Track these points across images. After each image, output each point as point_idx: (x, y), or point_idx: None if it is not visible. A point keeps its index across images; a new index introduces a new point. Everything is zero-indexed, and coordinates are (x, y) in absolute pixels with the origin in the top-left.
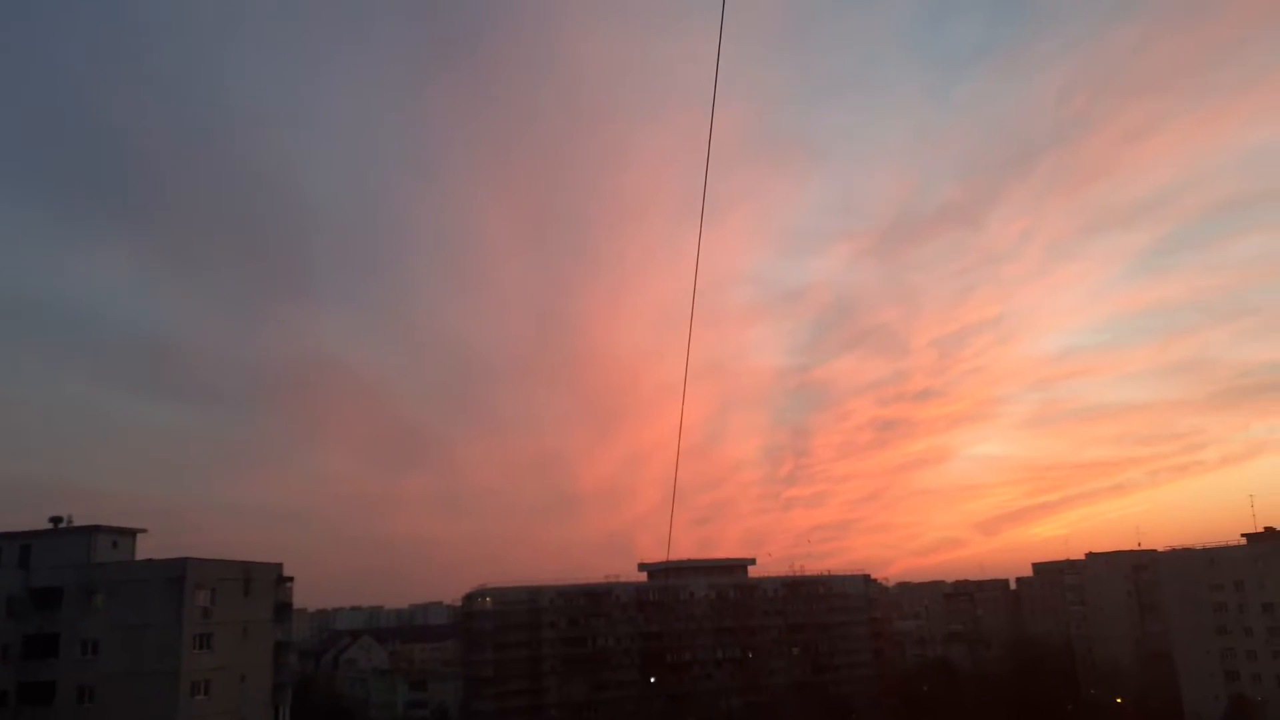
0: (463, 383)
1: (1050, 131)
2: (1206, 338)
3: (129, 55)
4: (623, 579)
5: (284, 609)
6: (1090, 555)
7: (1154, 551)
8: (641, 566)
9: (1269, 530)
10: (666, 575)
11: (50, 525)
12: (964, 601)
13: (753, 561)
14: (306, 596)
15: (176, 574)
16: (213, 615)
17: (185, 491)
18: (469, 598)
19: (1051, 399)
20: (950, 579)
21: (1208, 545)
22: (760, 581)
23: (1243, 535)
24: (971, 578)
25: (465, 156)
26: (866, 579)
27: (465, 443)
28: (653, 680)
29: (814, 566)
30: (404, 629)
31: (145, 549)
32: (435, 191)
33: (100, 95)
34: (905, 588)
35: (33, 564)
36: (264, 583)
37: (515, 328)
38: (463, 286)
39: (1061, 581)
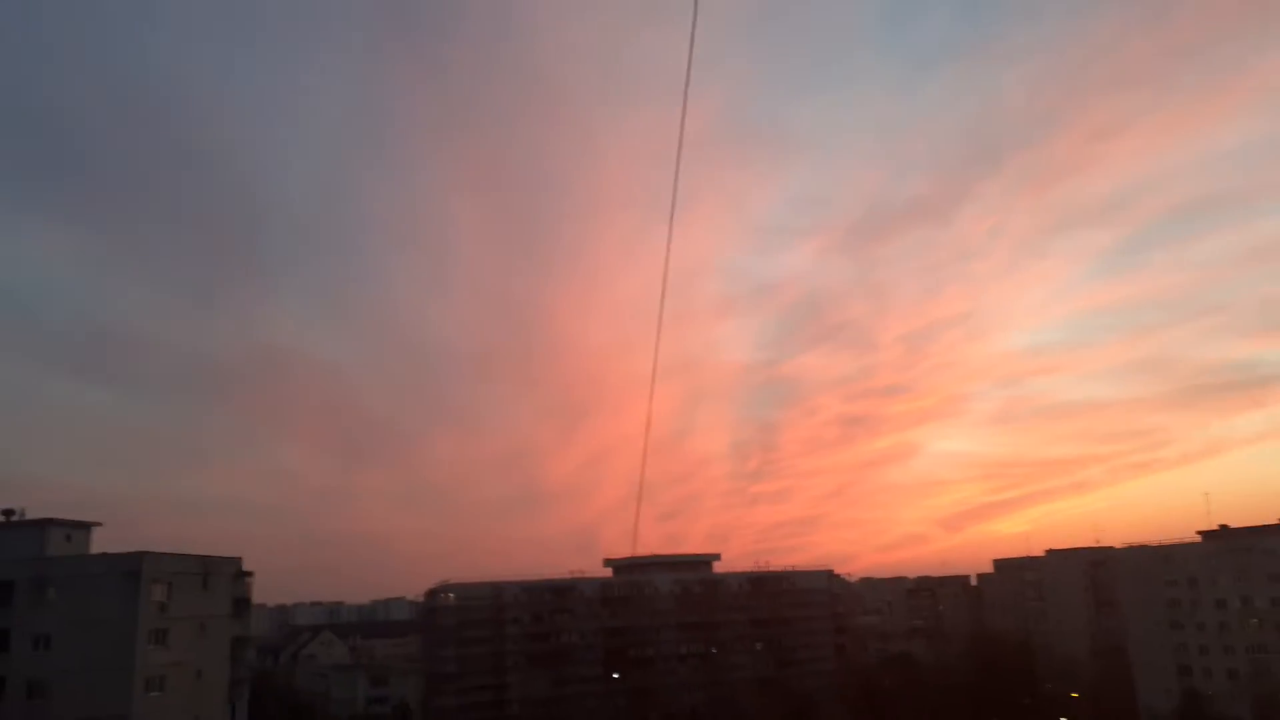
0: (426, 376)
1: (1019, 129)
2: (1169, 336)
3: (76, 34)
4: (588, 574)
5: (242, 604)
6: (1050, 552)
7: (1111, 548)
8: (607, 562)
9: (1223, 528)
10: (632, 571)
11: (2, 518)
12: (926, 597)
13: (717, 557)
14: (265, 591)
15: (132, 568)
16: (169, 610)
17: (141, 484)
18: (431, 593)
19: (1017, 396)
20: (913, 575)
21: (1164, 542)
22: (725, 577)
23: (1198, 532)
24: (934, 573)
25: (431, 145)
26: (830, 574)
27: (429, 437)
28: (616, 676)
29: (778, 562)
30: (365, 624)
31: (100, 543)
32: (400, 180)
33: (46, 75)
34: (868, 583)
35: None
36: (222, 577)
37: (481, 320)
38: (427, 277)
39: (1022, 578)
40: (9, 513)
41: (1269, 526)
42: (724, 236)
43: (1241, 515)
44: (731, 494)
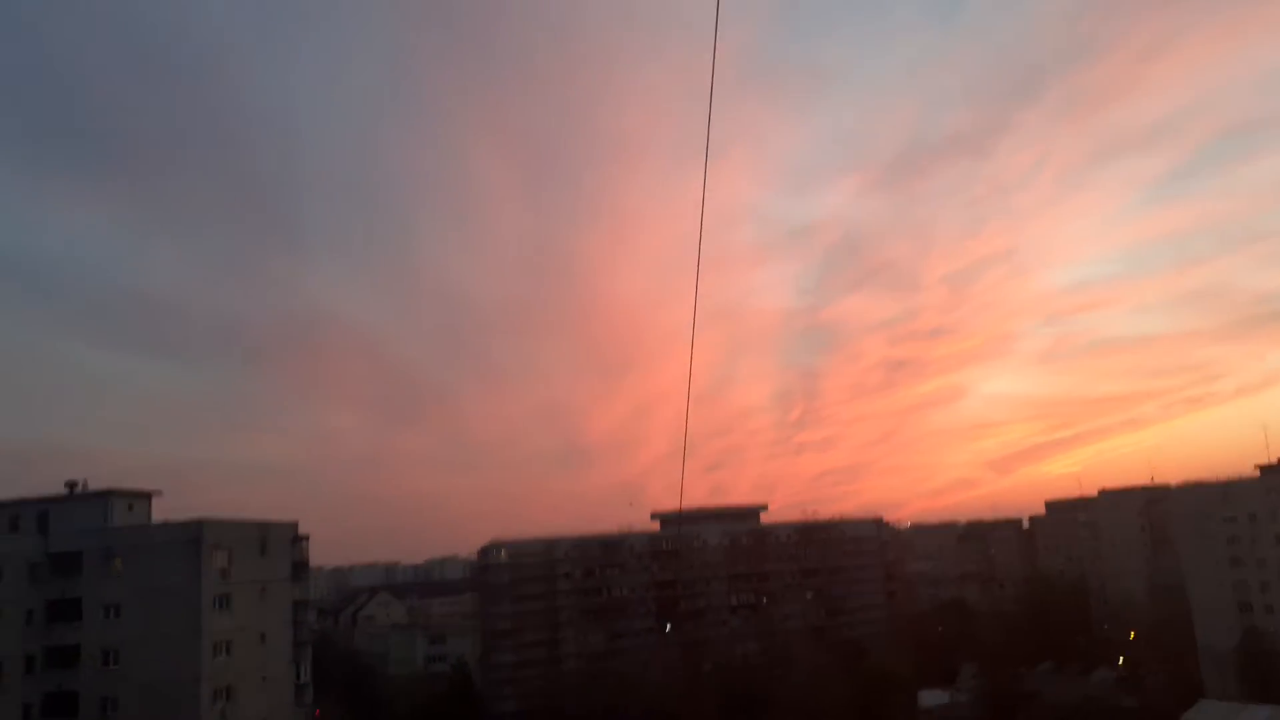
0: (464, 333)
1: (1059, 55)
2: (1221, 265)
3: (107, 6)
4: (636, 529)
5: (301, 567)
6: (1103, 492)
7: (1167, 487)
8: (654, 515)
9: None
10: (680, 524)
11: (66, 491)
12: (977, 542)
13: (765, 508)
14: (322, 554)
15: (193, 536)
16: (230, 576)
17: (193, 451)
18: (484, 551)
19: (1064, 333)
20: (963, 519)
21: (1222, 479)
22: (773, 528)
23: (1257, 467)
24: (985, 518)
25: (459, 101)
26: (879, 522)
27: (469, 395)
28: (668, 628)
29: (826, 511)
30: (420, 584)
31: (160, 511)
32: (429, 138)
33: (79, 39)
34: (919, 530)
35: (51, 529)
36: (280, 541)
37: (516, 275)
38: (460, 234)
39: (1074, 519)
40: (72, 485)
41: None
42: (758, 179)
43: None
44: (776, 444)
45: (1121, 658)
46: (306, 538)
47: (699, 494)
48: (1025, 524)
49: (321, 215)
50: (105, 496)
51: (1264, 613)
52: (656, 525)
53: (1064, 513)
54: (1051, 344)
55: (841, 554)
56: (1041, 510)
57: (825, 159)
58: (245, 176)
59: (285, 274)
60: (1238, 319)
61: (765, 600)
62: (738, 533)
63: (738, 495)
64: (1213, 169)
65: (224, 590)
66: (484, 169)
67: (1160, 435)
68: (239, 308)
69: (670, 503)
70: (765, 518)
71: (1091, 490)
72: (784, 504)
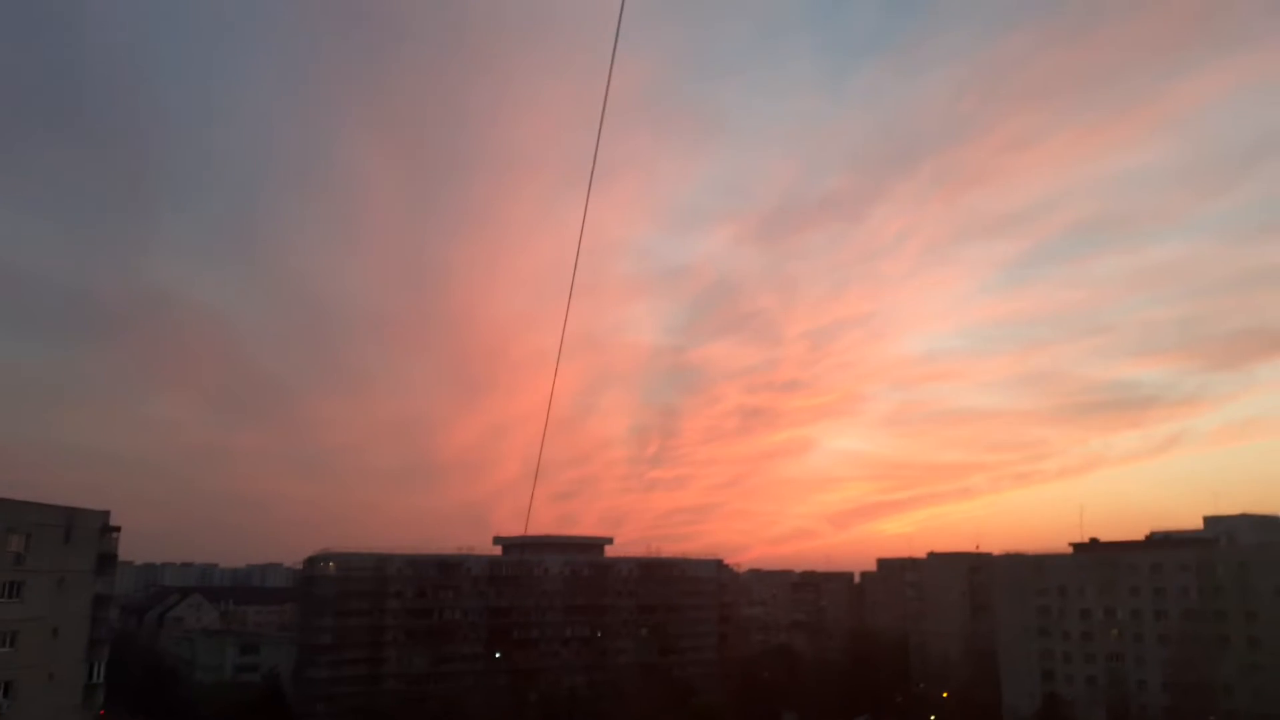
0: (322, 333)
1: (936, 132)
2: (1059, 352)
3: None
4: (476, 551)
5: (108, 560)
6: (931, 555)
7: (990, 555)
8: (496, 540)
9: (1093, 541)
10: (523, 550)
11: None
12: (810, 591)
13: (610, 541)
14: (134, 549)
15: None
16: (25, 562)
17: (5, 426)
18: (311, 561)
19: (911, 399)
20: (799, 568)
21: (1039, 552)
22: (615, 561)
23: (1070, 544)
24: (819, 568)
25: (347, 98)
26: (719, 564)
27: (319, 397)
28: (498, 655)
29: (671, 549)
30: (239, 589)
31: None
32: (310, 125)
33: None
34: (756, 574)
35: None
36: (87, 531)
37: (384, 279)
38: (330, 229)
39: (903, 578)
40: None
41: (1134, 542)
42: (639, 214)
43: (1111, 530)
44: (629, 478)
45: (933, 716)
46: (118, 530)
47: (546, 521)
48: (857, 578)
49: (189, 199)
50: None
51: (1065, 681)
52: (499, 550)
53: (894, 571)
54: (898, 408)
55: (680, 592)
56: (873, 566)
57: (706, 203)
58: (113, 151)
59: (133, 245)
60: (1068, 404)
61: (600, 634)
62: (580, 563)
63: (585, 526)
64: (1058, 260)
65: (16, 577)
66: (366, 169)
67: (988, 505)
68: (76, 277)
69: (516, 528)
70: (610, 550)
71: (921, 552)
72: (630, 538)
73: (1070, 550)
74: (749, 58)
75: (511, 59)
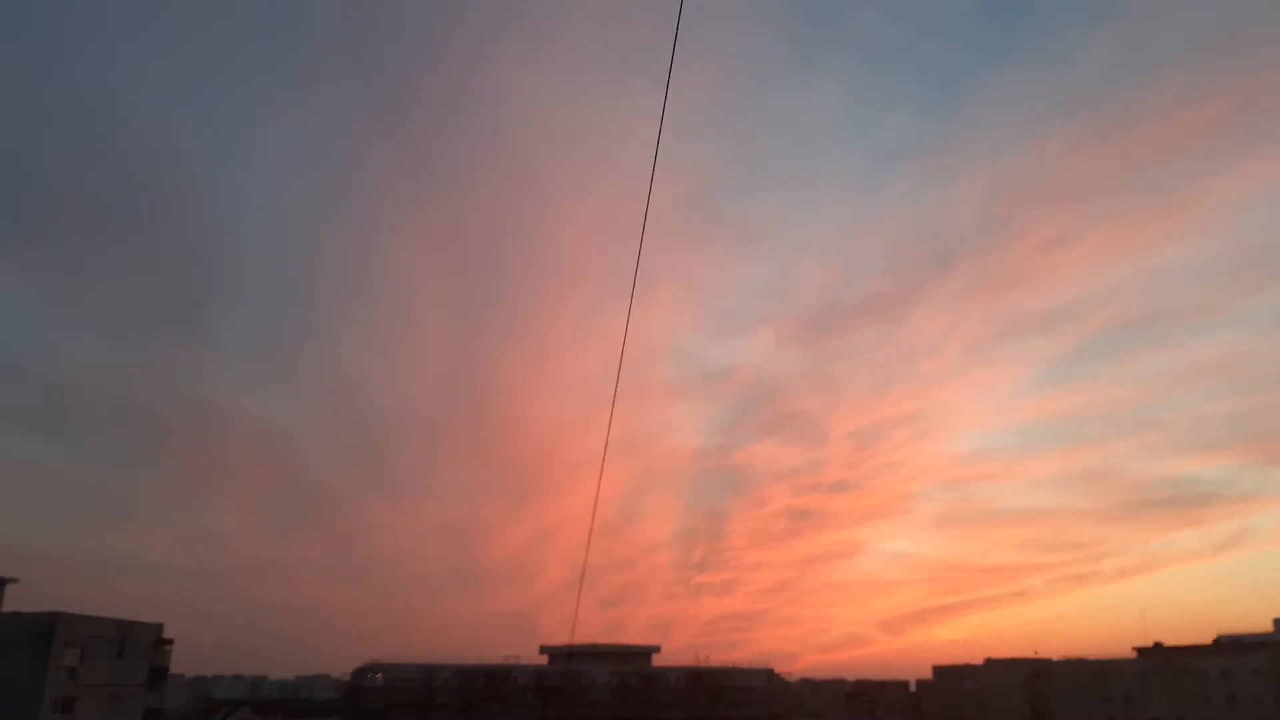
0: (369, 442)
1: (973, 234)
2: (1110, 450)
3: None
4: (523, 660)
5: (159, 673)
6: (989, 661)
7: (1049, 660)
8: (543, 649)
9: (1158, 645)
10: (569, 659)
11: None
12: (864, 701)
13: (657, 649)
14: (185, 661)
15: (45, 629)
16: (80, 676)
17: (61, 539)
18: (359, 672)
19: (961, 499)
20: (852, 677)
21: (1101, 657)
22: (663, 671)
23: (1134, 649)
24: (873, 676)
25: (395, 209)
26: (770, 673)
27: (367, 506)
28: None
29: (719, 657)
30: (288, 701)
31: (14, 600)
32: (358, 240)
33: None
34: (808, 684)
35: None
36: (140, 644)
37: (432, 388)
38: (379, 341)
39: (960, 686)
40: None
41: (1201, 646)
42: (680, 320)
43: (1175, 633)
44: (675, 583)
45: None
46: (170, 642)
47: (593, 629)
48: (912, 686)
49: (239, 309)
50: None
51: None
52: (545, 659)
53: (951, 679)
54: (948, 508)
55: (730, 704)
56: (928, 674)
57: (747, 307)
58: (165, 261)
59: (188, 362)
60: (1123, 502)
61: None
62: (627, 673)
63: (632, 633)
64: (1106, 357)
65: (70, 692)
66: (413, 279)
67: (1045, 608)
68: (132, 392)
69: (562, 636)
70: (657, 659)
71: (978, 658)
72: (677, 646)
73: (1134, 654)
74: (786, 168)
75: (556, 174)
